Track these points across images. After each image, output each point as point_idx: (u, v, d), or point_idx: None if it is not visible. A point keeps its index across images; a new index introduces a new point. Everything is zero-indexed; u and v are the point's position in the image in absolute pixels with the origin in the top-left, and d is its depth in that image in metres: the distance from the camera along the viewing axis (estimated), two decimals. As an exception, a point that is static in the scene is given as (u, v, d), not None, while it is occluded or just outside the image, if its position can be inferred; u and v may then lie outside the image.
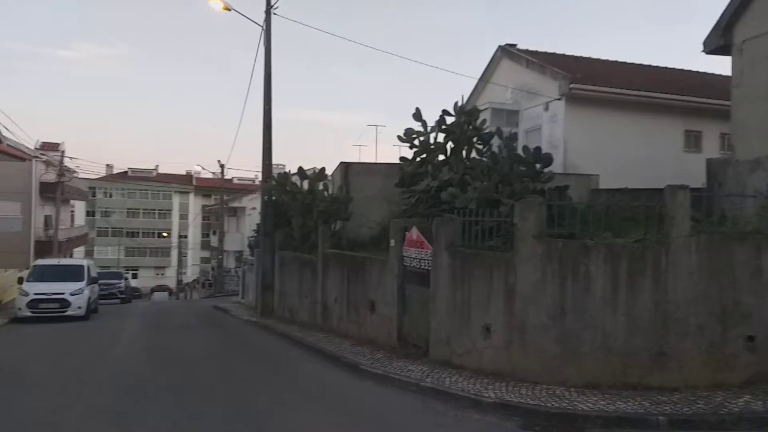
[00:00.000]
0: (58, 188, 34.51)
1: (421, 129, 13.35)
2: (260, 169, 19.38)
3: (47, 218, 35.86)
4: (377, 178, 16.19)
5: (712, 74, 21.59)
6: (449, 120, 13.07)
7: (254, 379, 9.99)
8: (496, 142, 12.63)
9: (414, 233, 10.63)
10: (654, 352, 7.94)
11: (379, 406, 8.08)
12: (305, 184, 17.83)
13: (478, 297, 9.15)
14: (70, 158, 37.75)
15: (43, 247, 33.11)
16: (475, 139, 13.00)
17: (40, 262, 22.99)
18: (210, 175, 55.84)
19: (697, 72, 22.18)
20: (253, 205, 41.90)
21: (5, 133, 25.12)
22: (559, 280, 8.25)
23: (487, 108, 18.11)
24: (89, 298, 20.54)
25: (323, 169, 18.04)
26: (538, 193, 10.58)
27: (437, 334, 9.84)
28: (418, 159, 13.40)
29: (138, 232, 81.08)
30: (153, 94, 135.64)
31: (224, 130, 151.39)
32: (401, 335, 10.97)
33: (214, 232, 56.12)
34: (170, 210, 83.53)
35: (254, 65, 23.22)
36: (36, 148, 35.88)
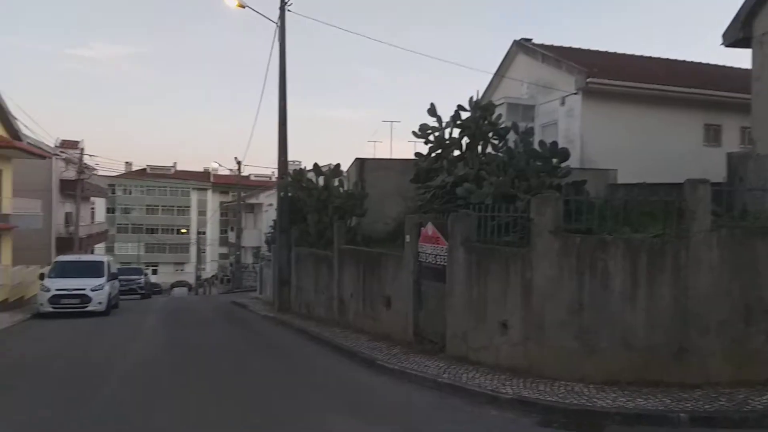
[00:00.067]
0: (78, 185, 34.98)
1: (436, 124, 13.28)
2: (277, 166, 19.46)
3: (68, 215, 36.39)
4: (392, 174, 16.16)
5: (732, 67, 21.24)
6: (464, 115, 12.98)
7: (271, 374, 10.05)
8: (512, 137, 12.53)
9: (429, 229, 10.61)
10: (674, 349, 7.84)
11: (395, 401, 8.07)
12: (320, 181, 17.87)
13: (494, 292, 9.11)
14: (90, 156, 38.26)
15: (64, 244, 33.60)
16: (490, 134, 12.90)
17: (61, 258, 23.33)
18: (227, 172, 56.29)
19: (717, 65, 21.85)
20: (270, 201, 42.09)
21: (25, 132, 25.46)
22: (577, 275, 8.17)
23: (502, 103, 18.00)
24: (109, 294, 20.79)
25: (338, 165, 18.05)
26: (554, 188, 10.48)
27: (453, 330, 9.82)
28: (433, 154, 13.34)
29: (157, 229, 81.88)
30: (170, 92, 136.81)
31: (241, 127, 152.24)
32: (417, 331, 10.96)
33: (232, 229, 56.59)
34: (188, 207, 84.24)
35: (269, 62, 23.45)
36: (56, 146, 36.30)
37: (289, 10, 18.58)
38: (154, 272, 72.39)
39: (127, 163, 73.59)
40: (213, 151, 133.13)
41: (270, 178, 65.72)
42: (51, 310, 19.37)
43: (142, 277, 40.65)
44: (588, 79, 16.75)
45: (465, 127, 12.95)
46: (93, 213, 45.77)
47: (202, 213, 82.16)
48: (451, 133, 13.23)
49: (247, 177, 64.95)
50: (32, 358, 12.20)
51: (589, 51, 20.66)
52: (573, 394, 7.51)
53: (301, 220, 18.10)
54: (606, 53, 20.99)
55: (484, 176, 11.44)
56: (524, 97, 19.32)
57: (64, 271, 20.63)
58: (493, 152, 12.73)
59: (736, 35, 12.72)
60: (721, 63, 22.90)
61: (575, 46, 20.73)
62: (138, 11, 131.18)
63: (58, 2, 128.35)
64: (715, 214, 8.10)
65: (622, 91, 17.19)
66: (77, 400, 8.27)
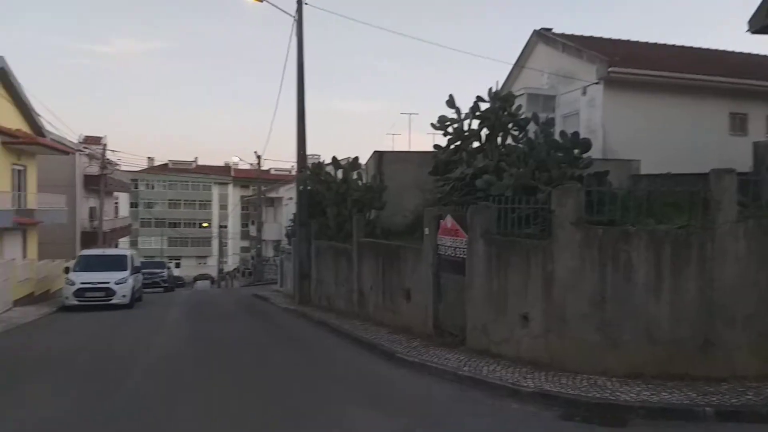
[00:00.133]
0: (101, 180, 35.48)
1: (454, 116, 13.16)
2: (296, 160, 19.50)
3: (92, 210, 36.95)
4: (411, 166, 16.10)
5: (759, 55, 20.74)
6: (484, 106, 12.85)
7: (292, 366, 10.10)
8: (532, 128, 12.39)
9: (448, 221, 10.54)
10: (700, 341, 7.70)
11: (415, 394, 8.06)
12: (339, 174, 17.87)
13: (515, 285, 9.03)
14: (112, 151, 38.71)
15: (89, 238, 34.11)
16: (510, 126, 12.76)
17: (85, 252, 23.69)
18: (248, 166, 56.54)
19: (742, 53, 21.33)
20: (289, 195, 42.26)
21: (49, 128, 25.82)
22: (599, 267, 8.06)
23: (522, 94, 17.79)
24: (133, 287, 21.08)
25: (357, 158, 18.03)
26: (576, 179, 10.33)
27: (473, 323, 9.76)
28: (452, 146, 13.23)
29: (180, 223, 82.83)
30: (191, 87, 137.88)
31: (261, 121, 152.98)
32: (437, 323, 10.92)
33: (253, 222, 56.95)
34: (210, 201, 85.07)
35: (287, 56, 23.53)
36: (79, 142, 36.81)
37: (306, 3, 18.55)
38: (177, 266, 73.32)
39: (149, 158, 74.39)
40: (233, 145, 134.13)
41: (290, 171, 65.96)
42: (76, 303, 19.71)
43: (165, 270, 41.20)
44: (609, 69, 16.47)
45: (484, 119, 12.83)
46: (117, 207, 46.36)
47: (223, 207, 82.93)
48: (470, 125, 13.12)
49: (267, 171, 65.33)
50: (58, 350, 12.42)
51: (610, 40, 20.31)
52: (595, 387, 7.42)
53: (320, 213, 18.13)
54: (628, 42, 20.62)
55: (504, 168, 11.33)
56: (545, 87, 19.07)
57: (88, 264, 20.96)
58: (513, 143, 12.59)
59: (763, 21, 12.37)
60: (747, 50, 22.37)
61: (596, 35, 20.40)
62: (158, 7, 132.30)
63: (81, 0, 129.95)
64: (741, 205, 7.92)
65: (645, 80, 16.88)
66: (101, 392, 8.42)
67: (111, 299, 19.93)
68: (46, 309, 19.82)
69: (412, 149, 21.19)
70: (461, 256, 10.10)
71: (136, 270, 22.39)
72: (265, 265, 46.35)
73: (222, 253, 68.45)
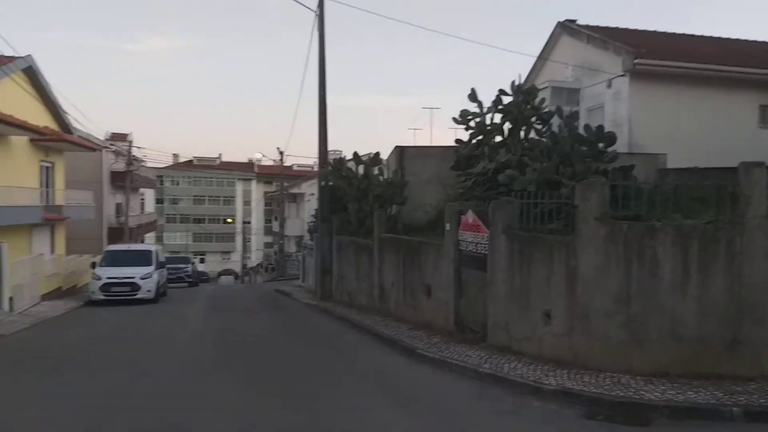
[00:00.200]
0: (127, 177, 35.97)
1: (476, 110, 13.03)
2: (318, 156, 19.52)
3: (118, 206, 37.50)
4: (432, 161, 15.99)
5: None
6: (506, 100, 12.70)
7: (312, 361, 10.12)
8: (555, 121, 12.20)
9: (470, 216, 10.44)
10: (727, 340, 7.51)
11: (435, 391, 8.01)
12: (360, 169, 17.85)
13: (537, 281, 8.90)
14: (138, 148, 39.24)
15: (115, 234, 34.65)
16: (533, 119, 12.59)
17: (111, 247, 24.06)
18: (271, 163, 56.90)
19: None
20: (312, 191, 42.41)
21: (76, 125, 26.24)
22: (624, 263, 7.90)
23: (546, 87, 17.53)
24: (158, 282, 21.34)
25: (378, 153, 17.98)
26: (601, 173, 10.17)
27: (495, 320, 9.66)
28: (474, 141, 13.11)
29: (204, 219, 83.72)
30: (214, 84, 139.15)
31: (284, 117, 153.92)
32: (458, 320, 10.83)
33: (276, 218, 57.32)
34: (234, 197, 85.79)
35: (309, 51, 23.39)
36: (105, 139, 37.38)
37: (328, -2, 18.52)
38: (202, 261, 74.18)
39: (174, 154, 75.42)
40: (257, 141, 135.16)
41: (312, 167, 66.22)
42: (102, 297, 20.03)
43: (190, 265, 41.64)
44: (636, 60, 16.14)
45: (507, 112, 12.68)
46: (143, 203, 46.98)
47: (246, 203, 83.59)
48: (492, 119, 12.97)
49: (290, 167, 65.63)
50: (85, 343, 12.67)
51: (636, 31, 19.91)
52: (619, 386, 7.29)
53: (341, 209, 18.14)
54: (654, 33, 20.20)
55: (527, 162, 11.18)
56: (569, 80, 18.79)
57: (114, 260, 21.27)
58: (536, 137, 12.43)
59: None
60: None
61: (621, 26, 20.02)
62: (183, 5, 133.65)
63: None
64: (772, 199, 7.69)
65: (672, 72, 16.50)
66: (125, 385, 8.54)
67: (136, 294, 20.20)
68: (74, 303, 20.18)
69: (434, 144, 21.02)
70: (482, 251, 9.99)
71: (160, 265, 22.68)
72: (287, 260, 46.62)
73: (245, 248, 69.04)
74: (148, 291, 20.53)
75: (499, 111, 12.79)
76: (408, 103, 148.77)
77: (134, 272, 20.57)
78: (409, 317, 12.65)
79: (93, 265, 21.51)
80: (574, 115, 12.16)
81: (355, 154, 18.44)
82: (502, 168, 11.52)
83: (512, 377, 7.92)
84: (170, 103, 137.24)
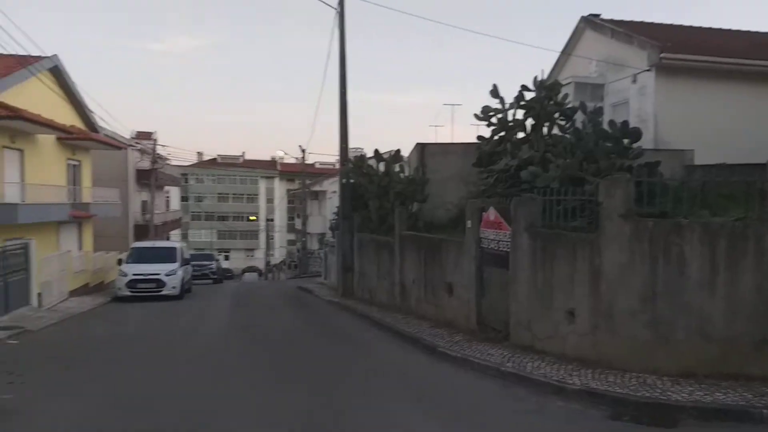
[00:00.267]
0: (152, 175, 36.48)
1: (498, 106, 12.91)
2: (339, 153, 19.54)
3: (144, 203, 38.04)
4: (454, 158, 15.89)
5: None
6: (529, 96, 12.55)
7: (333, 359, 10.14)
8: (579, 117, 12.03)
9: (491, 214, 10.34)
10: (757, 339, 7.32)
11: (457, 389, 7.95)
12: (382, 167, 17.81)
13: (560, 280, 8.78)
14: (163, 146, 39.80)
15: (141, 231, 35.18)
16: (556, 115, 12.44)
17: (137, 244, 24.42)
18: (293, 160, 57.19)
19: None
20: (333, 188, 42.51)
21: (102, 124, 26.65)
22: (650, 261, 7.74)
23: (569, 82, 17.29)
24: (182, 279, 21.62)
25: (398, 150, 17.94)
26: (625, 169, 9.98)
27: (517, 318, 9.56)
28: (496, 137, 12.98)
29: (228, 216, 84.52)
30: (237, 82, 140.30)
31: (306, 115, 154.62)
32: (480, 318, 10.75)
33: (298, 216, 57.57)
34: (257, 195, 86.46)
35: (330, 48, 23.42)
36: (131, 138, 37.92)
37: (349, -5, 18.49)
38: (226, 258, 74.96)
39: (198, 153, 76.08)
40: (280, 139, 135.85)
41: (334, 165, 66.40)
42: (128, 293, 20.35)
43: (214, 262, 42.14)
44: (661, 55, 15.82)
45: (529, 108, 12.54)
46: (168, 201, 47.56)
47: (270, 201, 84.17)
48: (514, 115, 12.84)
49: (312, 165, 65.91)
50: (112, 338, 12.90)
51: (661, 25, 19.53)
52: (645, 386, 7.15)
53: (363, 206, 18.14)
54: (680, 27, 19.80)
55: (550, 159, 11.05)
56: (593, 75, 18.50)
57: (140, 256, 21.59)
58: (559, 134, 12.28)
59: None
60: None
61: (647, 20, 19.67)
62: (207, 4, 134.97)
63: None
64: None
65: (699, 67, 16.15)
66: (150, 379, 8.66)
67: (161, 290, 20.49)
68: (101, 299, 20.54)
69: (455, 141, 20.88)
70: (504, 249, 9.90)
71: (185, 262, 22.96)
72: (310, 257, 46.85)
73: (269, 246, 69.55)
74: (173, 287, 20.80)
75: (521, 107, 12.65)
76: (429, 100, 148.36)
77: (159, 269, 20.87)
78: (431, 315, 12.60)
79: (119, 262, 21.87)
80: (598, 111, 11.96)
81: (376, 151, 18.42)
82: (524, 165, 11.40)
83: (535, 376, 7.83)
84: (194, 101, 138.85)
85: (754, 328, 7.33)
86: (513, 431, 6.51)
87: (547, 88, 12.49)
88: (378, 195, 17.17)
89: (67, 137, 22.14)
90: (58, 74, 22.17)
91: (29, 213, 18.19)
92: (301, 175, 50.95)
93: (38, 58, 19.94)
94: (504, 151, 12.68)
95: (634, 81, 16.86)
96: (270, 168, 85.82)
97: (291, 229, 74.86)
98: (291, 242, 75.50)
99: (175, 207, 51.86)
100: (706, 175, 10.09)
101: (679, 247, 7.60)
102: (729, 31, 20.19)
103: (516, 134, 12.78)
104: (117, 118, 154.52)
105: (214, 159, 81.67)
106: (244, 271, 63.80)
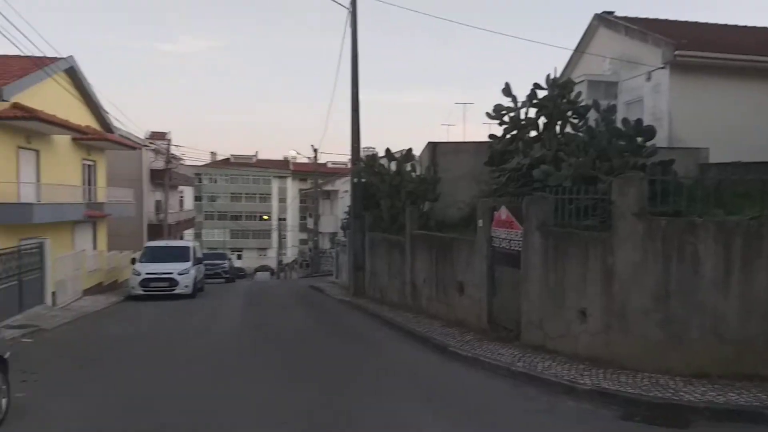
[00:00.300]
0: (166, 175, 36.73)
1: (511, 104, 12.83)
2: (351, 152, 19.54)
3: (158, 203, 38.31)
4: (465, 157, 15.83)
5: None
6: (541, 94, 12.47)
7: (345, 358, 10.14)
8: (592, 115, 11.92)
9: (503, 213, 10.29)
10: (772, 340, 7.21)
11: (467, 389, 7.92)
12: (393, 166, 17.79)
13: (572, 279, 8.72)
14: (176, 146, 40.03)
15: (155, 230, 35.43)
16: (569, 113, 12.34)
17: (150, 243, 24.59)
18: (305, 160, 57.38)
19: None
20: (345, 188, 42.55)
21: (116, 125, 26.85)
22: (663, 260, 7.66)
23: (583, 80, 17.16)
24: (195, 278, 21.74)
25: (410, 149, 17.91)
26: (639, 168, 9.87)
27: (529, 317, 9.50)
28: (508, 136, 12.91)
29: (241, 216, 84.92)
30: (250, 83, 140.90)
31: (318, 114, 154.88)
32: (491, 318, 10.70)
33: (310, 215, 57.71)
34: (270, 194, 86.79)
35: (342, 48, 23.40)
36: (145, 138, 38.21)
37: (360, -5, 18.48)
38: (239, 257, 75.32)
39: (212, 152, 76.54)
40: (292, 138, 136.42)
41: (346, 165, 66.45)
42: (142, 292, 20.50)
43: (227, 261, 42.34)
44: (676, 52, 15.65)
45: (542, 107, 12.46)
46: (182, 201, 47.88)
47: (282, 200, 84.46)
48: (527, 113, 12.77)
49: (324, 164, 65.97)
50: (124, 337, 12.98)
51: (676, 22, 19.33)
52: (657, 386, 7.08)
53: (374, 205, 18.13)
54: (695, 24, 19.58)
55: (563, 157, 10.96)
56: (606, 73, 18.35)
57: (153, 256, 21.75)
58: (572, 132, 12.18)
59: None
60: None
61: (661, 17, 19.46)
62: (219, 4, 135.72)
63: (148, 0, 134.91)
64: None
65: (714, 64, 15.95)
66: (163, 377, 8.72)
67: (174, 289, 20.62)
68: (114, 298, 20.71)
69: (467, 140, 20.82)
70: (516, 248, 9.84)
71: (198, 261, 23.09)
72: (321, 256, 46.94)
73: (281, 245, 69.81)
74: (186, 286, 20.93)
75: (533, 105, 12.58)
76: (441, 99, 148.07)
77: (172, 268, 21.00)
78: (442, 314, 12.56)
79: (133, 261, 22.04)
80: (612, 109, 11.87)
81: (388, 150, 18.41)
82: (536, 163, 11.33)
83: (546, 376, 7.78)
84: (208, 101, 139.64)
85: (770, 328, 7.22)
86: (523, 431, 6.47)
87: (560, 86, 12.40)
88: (389, 194, 17.15)
89: (82, 137, 22.33)
90: (73, 75, 22.38)
91: (44, 213, 18.37)
92: (313, 175, 51.05)
93: (54, 60, 20.11)
94: (516, 150, 12.61)
95: (649, 79, 16.70)
96: (283, 168, 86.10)
97: (303, 228, 75.07)
98: (303, 241, 75.69)
99: (189, 206, 52.22)
100: (721, 174, 9.96)
101: (693, 246, 7.51)
102: (742, 27, 19.96)
103: (528, 133, 12.70)
104: (131, 118, 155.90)
105: (228, 159, 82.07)
106: (257, 270, 64.12)
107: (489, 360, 8.78)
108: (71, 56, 21.69)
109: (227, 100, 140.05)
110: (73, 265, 19.55)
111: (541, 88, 12.49)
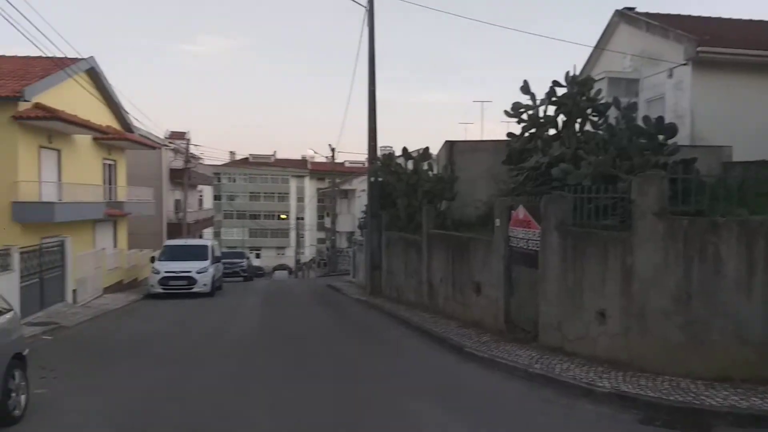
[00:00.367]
0: (185, 174, 37.03)
1: (529, 102, 12.68)
2: (367, 151, 19.50)
3: (177, 202, 38.65)
4: (483, 155, 15.69)
5: None
6: (560, 92, 12.30)
7: (360, 358, 10.12)
8: (613, 113, 11.73)
9: (520, 212, 10.17)
10: (798, 343, 7.02)
11: (483, 390, 7.84)
12: (410, 165, 17.72)
13: (591, 279, 8.58)
14: (196, 146, 40.32)
15: (174, 229, 35.73)
16: (589, 111, 12.15)
17: (169, 242, 24.79)
18: (323, 159, 57.50)
19: None
20: (362, 187, 42.53)
21: (136, 125, 27.13)
22: (684, 261, 7.50)
23: (603, 77, 16.93)
24: (213, 276, 21.88)
25: (427, 148, 17.81)
26: (660, 167, 9.68)
27: (547, 319, 9.38)
28: (526, 134, 12.75)
29: (260, 215, 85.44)
30: (269, 83, 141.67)
31: (336, 114, 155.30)
32: (508, 318, 10.58)
33: (328, 214, 57.86)
34: (288, 193, 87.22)
35: (359, 47, 23.28)
36: (165, 137, 38.55)
37: (378, -7, 18.43)
38: (258, 256, 75.71)
39: (231, 152, 77.10)
40: (310, 137, 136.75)
41: (363, 164, 66.45)
42: (161, 291, 20.69)
43: (245, 260, 42.54)
44: (698, 48, 15.36)
45: (561, 104, 12.28)
46: (201, 200, 48.23)
47: (300, 199, 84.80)
48: (545, 111, 12.60)
49: (342, 164, 66.17)
50: (143, 334, 13.10)
51: (699, 17, 18.99)
52: (678, 390, 6.93)
53: (391, 204, 18.08)
54: (718, 19, 19.22)
55: (582, 156, 10.79)
56: (627, 70, 18.09)
57: (172, 254, 21.93)
58: (591, 130, 12.00)
59: None
60: None
61: (683, 13, 19.13)
62: (238, 4, 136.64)
63: (167, 1, 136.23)
64: None
65: (737, 60, 15.63)
66: (181, 375, 8.77)
67: (192, 288, 20.77)
68: (134, 296, 20.92)
69: (485, 138, 20.67)
70: (534, 248, 9.72)
71: (216, 260, 23.23)
72: (339, 256, 47.03)
73: (299, 244, 70.09)
74: (204, 285, 21.07)
75: (552, 103, 12.40)
76: (459, 97, 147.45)
77: (191, 266, 21.16)
78: (458, 315, 12.47)
79: (152, 260, 22.24)
80: (633, 107, 11.65)
81: (404, 149, 18.33)
82: (555, 162, 11.17)
83: (564, 378, 7.66)
84: (227, 101, 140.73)
85: (795, 331, 7.03)
86: (540, 434, 6.38)
87: (580, 83, 12.21)
88: (406, 193, 17.08)
89: (102, 137, 22.59)
90: (94, 76, 22.63)
91: (66, 211, 18.60)
92: (330, 174, 51.16)
93: (75, 60, 20.36)
94: (535, 149, 12.45)
95: (670, 76, 16.42)
96: (301, 167, 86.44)
97: (321, 227, 75.31)
98: (321, 240, 75.93)
99: (208, 206, 52.59)
100: (745, 172, 9.72)
101: (715, 247, 7.34)
102: (765, 22, 19.53)
103: (547, 131, 12.54)
104: (151, 118, 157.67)
105: (246, 158, 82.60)
106: (275, 269, 64.41)
107: (506, 361, 8.69)
108: (92, 57, 21.94)
109: (246, 100, 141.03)
110: (93, 263, 19.78)
111: (561, 85, 12.31)
